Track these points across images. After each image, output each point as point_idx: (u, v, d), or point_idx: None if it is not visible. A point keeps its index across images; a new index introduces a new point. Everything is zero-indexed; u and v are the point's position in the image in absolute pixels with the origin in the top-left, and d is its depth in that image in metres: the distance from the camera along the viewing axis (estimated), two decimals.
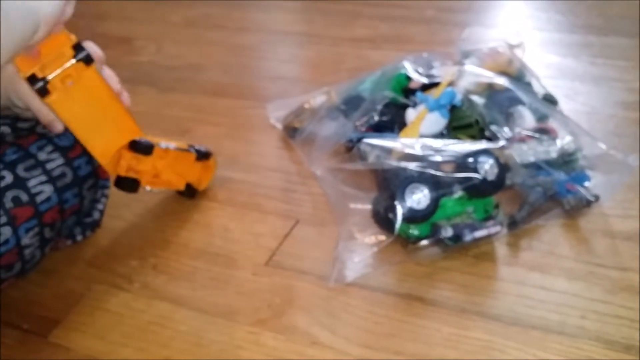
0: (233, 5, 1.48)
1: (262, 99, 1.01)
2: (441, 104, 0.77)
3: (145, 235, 0.75)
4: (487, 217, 0.67)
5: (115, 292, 0.66)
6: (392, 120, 0.81)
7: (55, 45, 0.58)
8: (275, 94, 1.03)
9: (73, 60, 0.59)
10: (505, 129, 0.75)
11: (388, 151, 0.70)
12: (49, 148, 0.65)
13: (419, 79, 0.84)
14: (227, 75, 1.15)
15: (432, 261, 0.66)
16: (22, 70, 0.58)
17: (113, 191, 0.73)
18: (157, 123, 0.95)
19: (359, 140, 0.73)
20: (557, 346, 0.56)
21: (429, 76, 0.84)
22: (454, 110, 0.78)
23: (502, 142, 0.72)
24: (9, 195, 0.60)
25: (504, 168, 0.67)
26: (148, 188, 0.71)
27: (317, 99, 0.90)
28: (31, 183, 0.62)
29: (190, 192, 0.78)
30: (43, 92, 0.58)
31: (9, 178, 0.61)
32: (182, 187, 0.77)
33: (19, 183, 0.61)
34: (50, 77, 0.58)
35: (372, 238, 0.67)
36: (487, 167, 0.66)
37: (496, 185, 0.66)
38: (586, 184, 0.71)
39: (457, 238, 0.65)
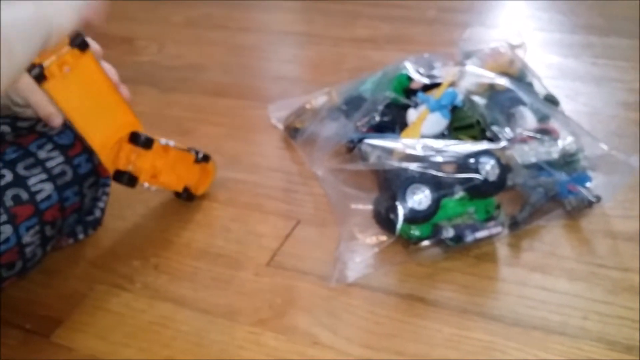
0: (234, 6, 1.48)
1: (263, 99, 1.01)
2: (442, 104, 0.77)
3: (147, 235, 0.75)
4: (489, 218, 0.67)
5: (117, 292, 0.66)
6: (393, 121, 0.81)
7: None
8: (276, 94, 1.04)
9: (68, 47, 0.58)
10: (507, 129, 0.75)
11: (389, 152, 0.70)
12: (49, 146, 0.65)
13: (420, 79, 0.84)
14: (228, 76, 1.15)
15: (433, 262, 0.66)
16: None
17: (114, 191, 0.73)
18: (158, 123, 0.95)
19: (360, 140, 0.73)
20: (559, 347, 0.56)
21: (430, 76, 0.84)
22: (455, 110, 0.78)
23: (503, 143, 0.72)
24: (9, 193, 0.60)
25: (505, 169, 0.67)
26: (146, 185, 0.71)
27: (318, 100, 0.90)
28: (31, 181, 0.62)
29: (187, 196, 0.77)
30: (40, 78, 0.57)
31: (9, 177, 0.61)
32: (179, 189, 0.76)
33: (19, 181, 0.61)
34: (46, 63, 0.57)
35: (373, 238, 0.67)
36: (489, 168, 0.66)
37: (497, 185, 0.66)
38: (587, 184, 0.71)
39: (458, 239, 0.65)
